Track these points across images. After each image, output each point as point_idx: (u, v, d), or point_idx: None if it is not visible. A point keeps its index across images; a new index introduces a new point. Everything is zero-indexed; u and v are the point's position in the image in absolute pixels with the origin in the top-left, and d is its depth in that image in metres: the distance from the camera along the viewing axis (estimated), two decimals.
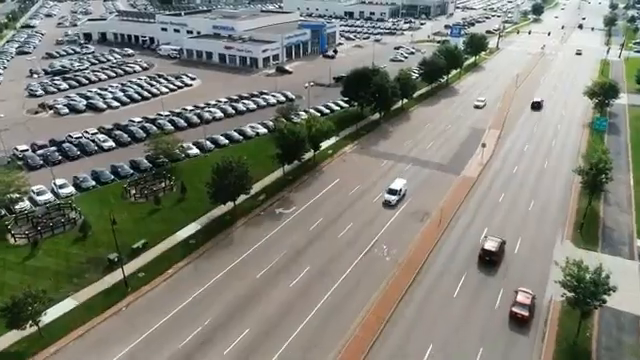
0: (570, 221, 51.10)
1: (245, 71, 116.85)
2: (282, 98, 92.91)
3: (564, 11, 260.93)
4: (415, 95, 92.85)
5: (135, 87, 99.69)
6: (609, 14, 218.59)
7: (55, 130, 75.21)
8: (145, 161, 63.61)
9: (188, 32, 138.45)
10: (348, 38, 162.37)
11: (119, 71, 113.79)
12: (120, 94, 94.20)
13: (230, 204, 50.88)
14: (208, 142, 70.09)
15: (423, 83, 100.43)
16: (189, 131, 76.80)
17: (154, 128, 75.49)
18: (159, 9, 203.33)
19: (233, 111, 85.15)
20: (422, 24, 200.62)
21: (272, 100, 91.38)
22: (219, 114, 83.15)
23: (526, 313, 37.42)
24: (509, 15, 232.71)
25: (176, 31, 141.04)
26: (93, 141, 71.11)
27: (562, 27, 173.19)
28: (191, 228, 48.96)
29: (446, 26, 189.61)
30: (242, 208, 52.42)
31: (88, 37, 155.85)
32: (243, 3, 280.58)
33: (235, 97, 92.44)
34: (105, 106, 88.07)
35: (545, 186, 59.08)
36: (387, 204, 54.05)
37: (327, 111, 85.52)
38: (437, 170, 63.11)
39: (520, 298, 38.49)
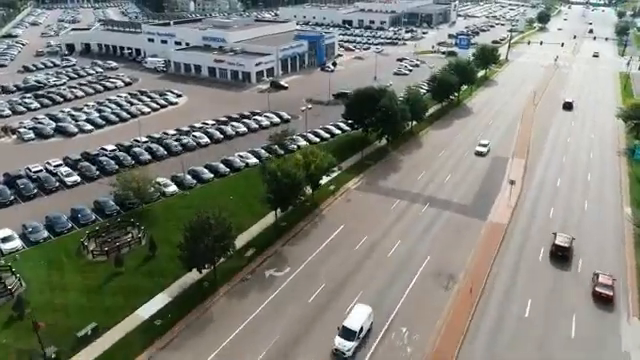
0: (634, 297, 40.96)
1: (237, 86, 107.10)
2: (276, 119, 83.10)
3: (568, 19, 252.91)
4: (425, 115, 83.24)
5: (113, 106, 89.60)
6: (619, 22, 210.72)
7: (14, 160, 65.00)
8: (112, 202, 53.47)
9: (176, 43, 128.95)
10: (347, 49, 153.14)
11: (98, 87, 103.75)
12: (95, 115, 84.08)
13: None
14: (189, 176, 60.08)
15: (432, 101, 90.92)
16: (169, 160, 66.81)
17: (128, 158, 65.54)
18: (150, 18, 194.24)
19: (221, 136, 75.18)
20: (424, 33, 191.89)
21: (265, 122, 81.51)
22: (204, 139, 73.14)
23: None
24: (514, 24, 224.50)
25: (163, 42, 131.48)
26: (55, 174, 61.00)
27: (574, 37, 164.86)
28: (158, 301, 38.64)
29: (450, 35, 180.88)
30: (224, 269, 42.31)
31: (71, 48, 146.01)
32: (238, 11, 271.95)
33: (223, 118, 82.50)
34: (76, 130, 77.92)
35: (591, 237, 48.98)
36: (339, 355, 34.13)
37: (327, 135, 75.67)
38: (459, 213, 53.12)
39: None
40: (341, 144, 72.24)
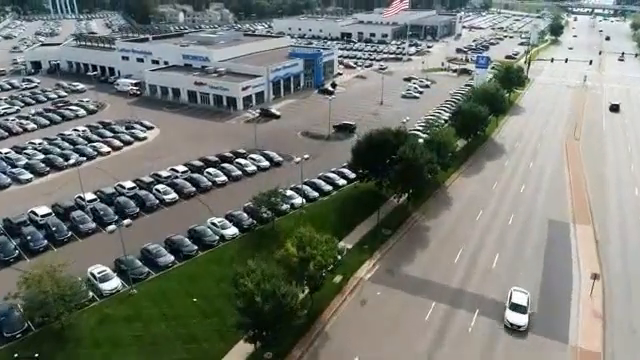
0: None
1: (220, 115, 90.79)
2: (264, 163, 66.58)
3: (578, 31, 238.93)
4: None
5: (65, 145, 73.26)
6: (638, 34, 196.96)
7: None
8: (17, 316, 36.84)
9: (154, 62, 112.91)
10: (347, 66, 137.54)
11: (55, 117, 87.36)
12: (38, 158, 67.61)
13: None
14: (138, 262, 43.39)
15: (456, 136, 75.17)
16: (116, 233, 50.28)
17: (64, 228, 48.85)
18: (131, 31, 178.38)
19: (193, 188, 58.75)
20: (429, 47, 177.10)
21: (250, 167, 65.06)
22: (170, 195, 56.58)
23: None
24: (523, 36, 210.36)
25: (139, 60, 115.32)
26: None
27: (600, 53, 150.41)
28: None
29: (458, 50, 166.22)
30: None
31: (37, 66, 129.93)
32: (229, 23, 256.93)
33: (198, 163, 66.00)
34: (8, 181, 61.38)
35: None
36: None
37: (329, 187, 59.31)
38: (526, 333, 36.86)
39: None
40: (347, 201, 55.86)
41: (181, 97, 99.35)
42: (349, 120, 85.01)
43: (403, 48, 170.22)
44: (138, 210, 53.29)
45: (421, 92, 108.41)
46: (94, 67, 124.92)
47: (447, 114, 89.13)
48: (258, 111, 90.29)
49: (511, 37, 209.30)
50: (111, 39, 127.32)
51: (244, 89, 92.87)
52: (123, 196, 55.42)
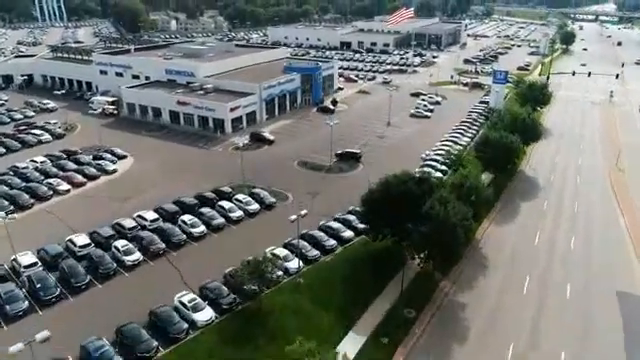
0: None
1: (206, 139, 79.18)
2: (254, 206, 54.75)
3: (586, 39, 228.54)
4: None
5: (16, 181, 61.46)
6: None
7: None
8: None
9: (134, 77, 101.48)
10: (348, 79, 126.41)
11: (14, 143, 75.66)
12: None
13: None
14: None
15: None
16: (61, 311, 38.43)
17: None
18: (120, 42, 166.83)
19: (162, 245, 46.97)
20: (435, 57, 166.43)
21: (236, 213, 53.12)
22: (132, 257, 44.64)
23: None
24: (532, 45, 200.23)
25: (118, 75, 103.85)
26: None
27: (622, 65, 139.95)
28: None
29: (466, 61, 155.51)
30: None
31: (9, 81, 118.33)
32: (223, 31, 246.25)
33: (173, 208, 53.99)
34: None
35: None
36: None
37: (332, 242, 47.64)
38: None
39: None
40: (357, 264, 44.01)
41: (162, 118, 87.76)
42: (352, 146, 73.69)
43: (407, 58, 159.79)
44: (88, 279, 41.49)
45: (432, 110, 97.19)
46: (70, 82, 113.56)
47: (466, 138, 78.13)
48: (247, 137, 78.64)
49: (519, 46, 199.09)
50: (89, 51, 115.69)
51: (233, 110, 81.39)
52: (72, 258, 43.63)
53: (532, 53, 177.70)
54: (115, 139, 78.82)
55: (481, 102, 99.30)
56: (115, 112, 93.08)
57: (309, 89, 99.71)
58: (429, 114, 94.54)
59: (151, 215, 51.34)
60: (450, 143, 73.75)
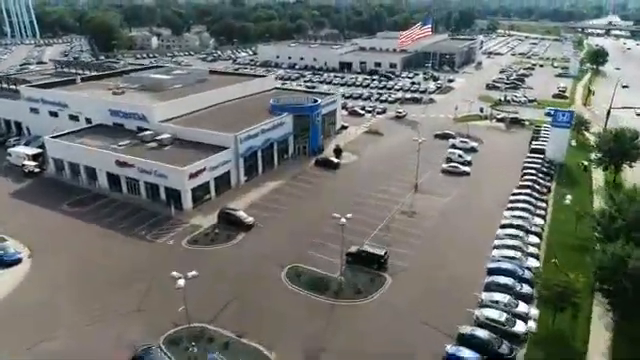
0: None
1: (153, 222, 53.47)
2: None
3: (612, 56, 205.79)
4: None
5: None
6: None
7: None
8: None
9: (72, 118, 76.31)
10: (353, 112, 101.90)
11: None
12: None
13: None
14: None
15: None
16: None
17: None
18: (72, 67, 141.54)
19: None
20: (450, 81, 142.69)
21: None
22: None
23: None
24: (555, 64, 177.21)
25: (53, 115, 78.50)
26: None
27: None
28: None
29: (489, 86, 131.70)
30: None
31: None
32: (209, 49, 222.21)
33: None
34: None
35: None
36: None
37: None
38: None
39: None
40: None
41: (99, 182, 62.40)
42: (370, 233, 48.87)
43: (418, 83, 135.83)
44: None
45: (469, 162, 72.44)
46: None
47: (539, 220, 53.03)
48: (218, 213, 53.37)
49: (541, 66, 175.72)
50: (14, 80, 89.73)
51: (194, 176, 56.08)
52: None
53: (560, 75, 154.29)
54: (18, 219, 53.45)
55: (534, 151, 74.60)
56: (37, 170, 67.66)
57: (305, 132, 74.82)
58: (467, 169, 69.64)
59: None
60: (520, 233, 48.63)
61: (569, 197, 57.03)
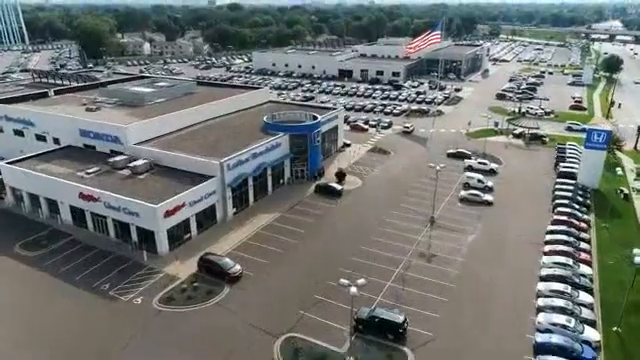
0: None
1: (121, 270, 44.45)
2: None
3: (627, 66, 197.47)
4: None
5: None
6: None
7: None
8: None
9: (39, 139, 67.17)
10: (355, 127, 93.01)
11: None
12: None
13: None
14: None
15: None
16: None
17: None
18: (50, 77, 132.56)
19: None
20: (457, 90, 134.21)
21: None
22: None
23: None
24: (566, 72, 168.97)
25: (18, 134, 69.46)
26: None
27: None
28: None
29: (499, 96, 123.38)
30: None
31: None
32: (202, 56, 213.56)
33: None
34: None
35: None
36: None
37: None
38: None
39: None
40: None
41: (61, 217, 53.29)
42: (385, 297, 39.67)
43: (424, 92, 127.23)
44: None
45: (490, 188, 63.51)
46: None
47: (586, 269, 43.97)
48: (198, 261, 44.29)
49: (550, 73, 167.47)
50: None
51: (170, 213, 46.92)
52: None
53: (573, 83, 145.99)
54: None
55: (562, 175, 65.66)
56: None
57: (302, 154, 65.77)
58: (489, 197, 60.61)
59: None
60: (568, 289, 39.56)
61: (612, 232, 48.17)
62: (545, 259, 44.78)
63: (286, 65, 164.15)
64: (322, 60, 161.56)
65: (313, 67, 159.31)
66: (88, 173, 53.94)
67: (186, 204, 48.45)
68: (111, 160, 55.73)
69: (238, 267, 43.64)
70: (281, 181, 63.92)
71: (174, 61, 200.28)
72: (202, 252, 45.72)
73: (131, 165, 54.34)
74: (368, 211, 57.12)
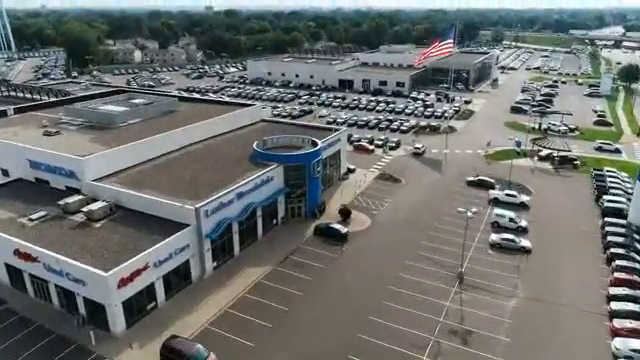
0: None
1: (62, 359, 33.98)
2: None
3: None
4: None
5: None
6: None
7: None
8: None
9: None
10: (359, 147, 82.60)
11: None
12: None
13: None
14: None
15: None
16: None
17: None
18: (19, 91, 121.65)
19: None
20: (467, 102, 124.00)
21: None
22: None
23: None
24: (580, 81, 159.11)
25: None
26: None
27: None
28: None
29: (513, 109, 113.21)
30: None
31: None
32: (195, 64, 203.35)
33: None
34: None
35: None
36: None
37: None
38: None
39: None
40: None
41: None
42: None
43: (432, 105, 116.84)
44: None
45: (525, 229, 52.92)
46: None
47: None
48: (161, 347, 33.56)
49: (564, 82, 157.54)
50: None
51: (128, 280, 36.13)
52: None
53: (590, 94, 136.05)
54: None
55: (608, 213, 55.10)
56: None
57: (301, 190, 55.07)
58: (527, 243, 49.82)
59: None
60: None
61: None
62: (618, 343, 34.15)
63: (283, 74, 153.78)
64: (321, 69, 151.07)
65: (311, 77, 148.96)
66: (31, 220, 43.15)
67: (150, 265, 37.61)
68: (62, 202, 44.91)
69: (213, 357, 32.87)
70: (274, 221, 53.22)
71: (164, 70, 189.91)
72: (166, 334, 34.95)
73: (85, 210, 43.56)
74: (379, 263, 46.41)
